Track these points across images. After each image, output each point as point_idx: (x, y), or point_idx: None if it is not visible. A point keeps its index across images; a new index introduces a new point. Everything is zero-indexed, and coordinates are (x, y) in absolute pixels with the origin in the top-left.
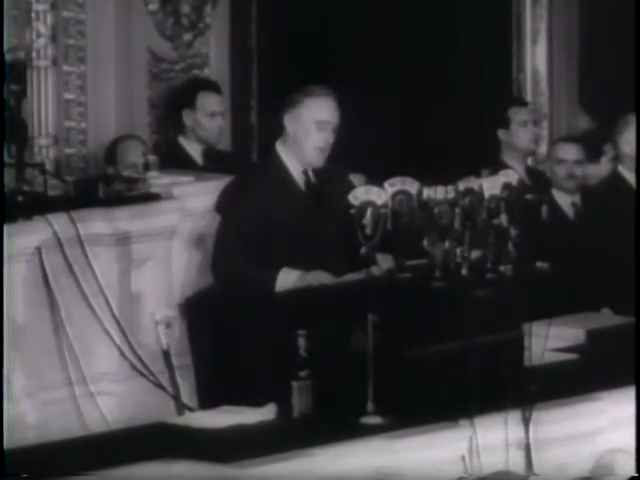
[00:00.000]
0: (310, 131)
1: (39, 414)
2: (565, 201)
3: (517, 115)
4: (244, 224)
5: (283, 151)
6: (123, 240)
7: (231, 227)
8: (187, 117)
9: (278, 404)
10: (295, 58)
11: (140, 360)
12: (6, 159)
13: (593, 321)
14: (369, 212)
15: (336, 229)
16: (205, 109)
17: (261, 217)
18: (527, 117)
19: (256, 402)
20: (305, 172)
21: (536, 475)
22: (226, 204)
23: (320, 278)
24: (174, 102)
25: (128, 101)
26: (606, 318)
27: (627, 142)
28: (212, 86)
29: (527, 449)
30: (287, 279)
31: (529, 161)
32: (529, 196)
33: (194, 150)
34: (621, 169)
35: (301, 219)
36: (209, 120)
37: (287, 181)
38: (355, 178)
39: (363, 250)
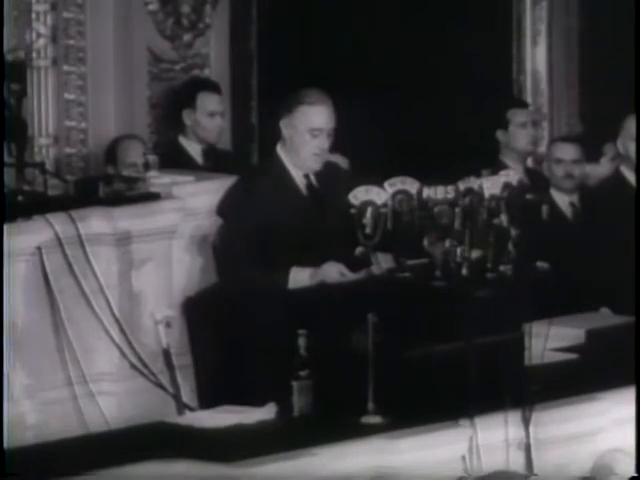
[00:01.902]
0: (305, 138)
1: (39, 414)
2: (563, 201)
3: (516, 117)
4: (247, 228)
5: (284, 154)
6: (123, 240)
7: (235, 231)
8: (187, 117)
9: (278, 404)
10: (295, 58)
11: (140, 360)
12: (6, 159)
13: (593, 321)
14: (369, 212)
15: (338, 230)
16: (205, 109)
17: (263, 220)
18: (526, 119)
19: (256, 402)
20: (306, 176)
21: (536, 475)
22: (228, 208)
23: (332, 270)
24: (174, 102)
25: (128, 101)
26: (606, 318)
27: (628, 142)
28: (212, 86)
29: (527, 449)
30: (299, 277)
31: (529, 162)
32: (529, 196)
33: (194, 150)
34: (623, 169)
35: (303, 222)
36: (209, 120)
37: (288, 184)
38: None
39: (363, 250)
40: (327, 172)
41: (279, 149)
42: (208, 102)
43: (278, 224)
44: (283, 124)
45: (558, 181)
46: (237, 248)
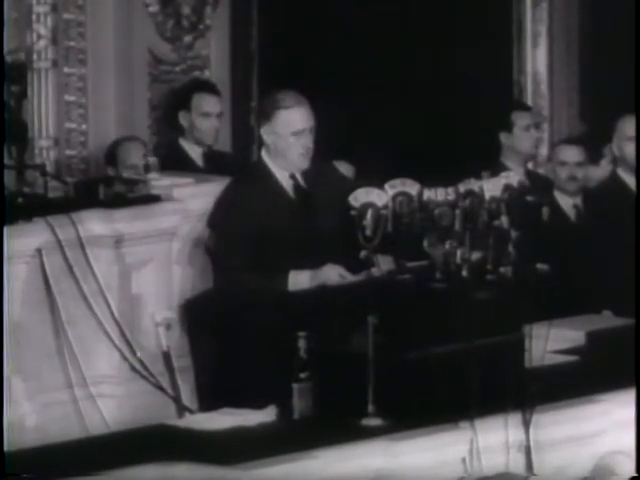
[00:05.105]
0: (289, 141)
1: (39, 416)
2: (567, 203)
3: (520, 119)
4: (239, 237)
5: (269, 159)
6: (123, 242)
7: (228, 240)
8: (183, 118)
9: (278, 406)
10: (295, 60)
11: (140, 362)
12: (6, 161)
13: (593, 323)
14: (369, 214)
15: (330, 231)
16: (199, 110)
17: (254, 227)
18: (530, 121)
19: (256, 404)
20: (292, 176)
21: (536, 476)
22: (219, 221)
23: (332, 272)
24: (171, 103)
25: (128, 103)
26: (606, 320)
27: (626, 144)
28: (207, 87)
29: (527, 451)
30: (299, 280)
31: (529, 164)
32: (530, 198)
33: (194, 152)
34: (620, 171)
35: (292, 224)
36: (203, 121)
37: (275, 189)
38: (341, 166)
39: (363, 252)
40: (315, 173)
41: (264, 154)
42: (203, 103)
43: (269, 229)
44: (264, 131)
45: (562, 183)
46: (233, 257)
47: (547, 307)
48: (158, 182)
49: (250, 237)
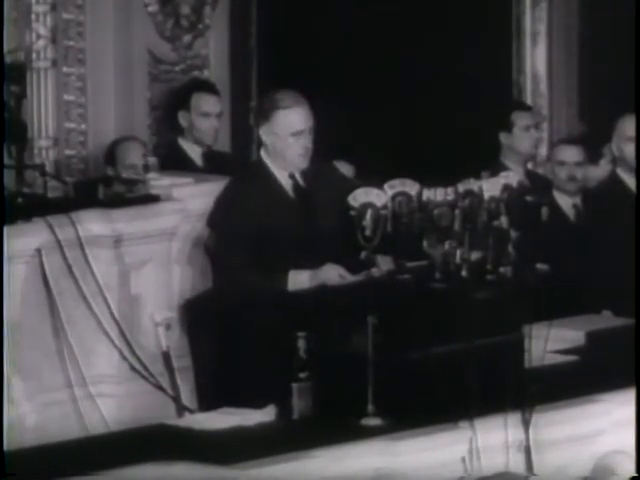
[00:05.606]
0: (288, 142)
1: (39, 416)
2: (566, 203)
3: (520, 119)
4: (239, 237)
5: (268, 159)
6: (123, 242)
7: (228, 240)
8: (182, 118)
9: (278, 405)
10: (295, 59)
11: (140, 362)
12: (6, 161)
13: (593, 323)
14: (369, 214)
15: (330, 231)
16: (199, 110)
17: (254, 227)
18: (529, 122)
19: (256, 404)
20: (292, 176)
21: (536, 476)
22: (219, 220)
23: (332, 272)
24: (170, 103)
25: (128, 102)
26: (606, 320)
27: (625, 144)
28: (206, 87)
29: (527, 451)
30: (299, 280)
31: (529, 164)
32: (529, 198)
33: (194, 152)
34: (619, 171)
35: (292, 224)
36: (202, 120)
37: (275, 189)
38: (341, 166)
39: (363, 252)
40: (315, 173)
41: (263, 154)
42: (202, 103)
43: (268, 229)
44: (263, 132)
45: (561, 183)
46: (233, 257)
47: (547, 307)
48: (157, 182)
49: (250, 237)
